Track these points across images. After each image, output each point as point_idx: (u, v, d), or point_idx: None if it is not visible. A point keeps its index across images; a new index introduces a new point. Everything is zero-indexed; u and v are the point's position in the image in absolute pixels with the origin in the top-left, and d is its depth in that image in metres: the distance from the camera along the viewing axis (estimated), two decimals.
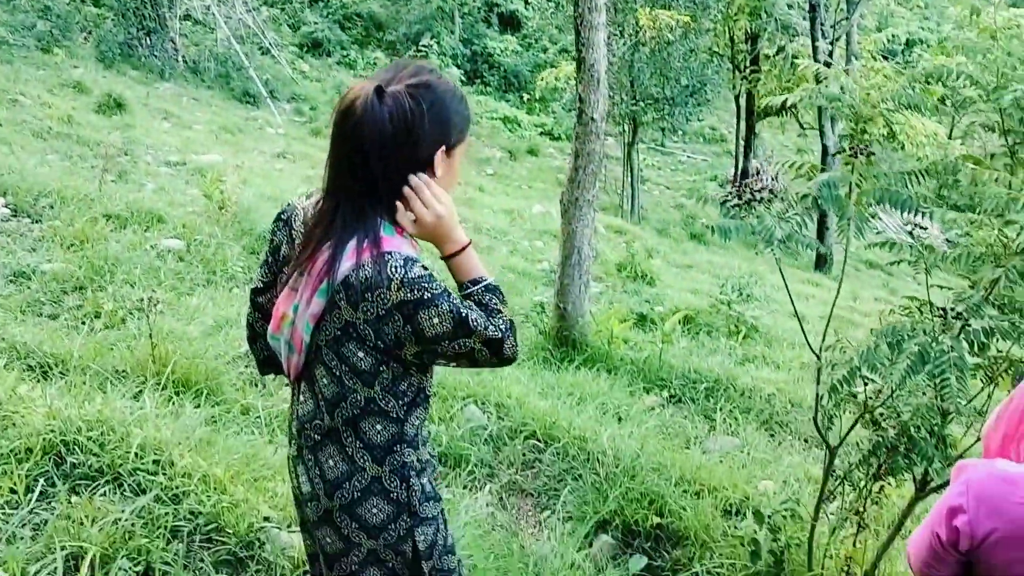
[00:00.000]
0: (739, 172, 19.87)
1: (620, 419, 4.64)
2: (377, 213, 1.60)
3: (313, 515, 1.76)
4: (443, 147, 1.63)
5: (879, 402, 2.39)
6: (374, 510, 1.70)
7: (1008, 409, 1.49)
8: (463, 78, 22.17)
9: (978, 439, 2.37)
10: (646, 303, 9.01)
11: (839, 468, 2.87)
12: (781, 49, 18.54)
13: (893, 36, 24.53)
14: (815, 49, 15.20)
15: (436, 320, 1.57)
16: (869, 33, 21.20)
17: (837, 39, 15.33)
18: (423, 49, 22.96)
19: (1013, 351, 2.20)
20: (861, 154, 2.56)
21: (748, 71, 18.34)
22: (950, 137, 19.82)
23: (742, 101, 19.43)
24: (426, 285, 1.56)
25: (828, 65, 13.10)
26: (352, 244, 1.57)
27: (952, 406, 2.05)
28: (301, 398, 1.73)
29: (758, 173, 20.72)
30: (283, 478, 3.10)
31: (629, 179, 17.28)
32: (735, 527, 3.41)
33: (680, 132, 21.67)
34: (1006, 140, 2.39)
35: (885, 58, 21.46)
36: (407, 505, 1.73)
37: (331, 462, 1.70)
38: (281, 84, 19.36)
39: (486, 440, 3.98)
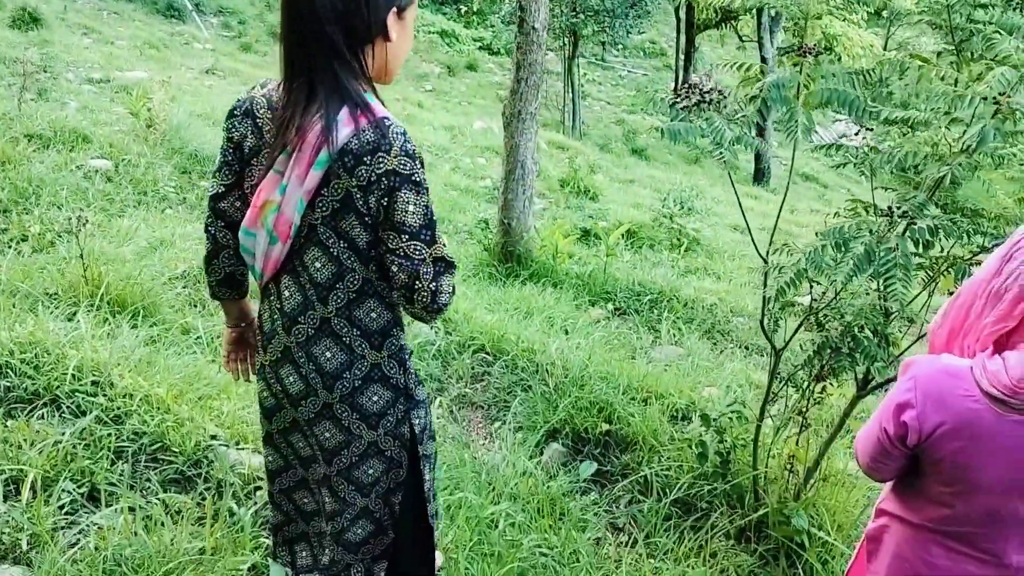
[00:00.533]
0: (679, 85, 19.80)
1: (567, 332, 4.66)
2: (356, 81, 1.56)
3: (309, 413, 1.73)
4: (395, 9, 1.58)
5: (823, 304, 2.42)
6: (375, 397, 1.72)
7: (953, 306, 1.51)
8: None
9: (920, 338, 2.43)
10: (589, 218, 9.01)
11: (783, 371, 2.93)
12: None
13: None
14: None
15: (412, 207, 1.55)
16: None
17: None
18: None
19: (955, 250, 2.23)
20: (809, 54, 2.53)
21: None
22: (885, 49, 19.99)
23: (682, 13, 19.21)
24: (420, 167, 1.56)
25: None
26: (345, 112, 1.53)
27: (897, 305, 2.07)
28: (286, 294, 1.67)
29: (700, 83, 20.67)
30: (228, 396, 3.04)
31: (570, 94, 17.08)
32: (682, 431, 3.48)
33: (620, 46, 21.39)
34: (952, 38, 2.37)
35: None
36: (404, 389, 1.76)
37: (328, 354, 1.67)
38: None
39: (435, 355, 3.96)
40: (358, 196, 1.54)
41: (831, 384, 2.73)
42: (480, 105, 17.49)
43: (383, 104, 1.60)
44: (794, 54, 2.58)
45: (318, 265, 1.62)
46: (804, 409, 2.84)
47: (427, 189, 1.58)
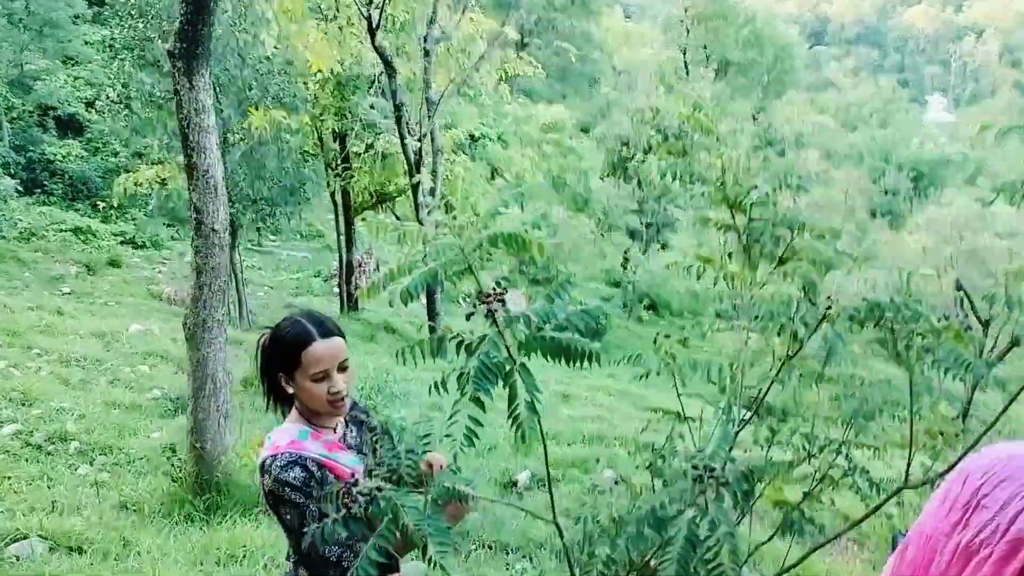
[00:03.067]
0: (343, 265, 19.84)
1: None
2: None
3: None
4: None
5: None
6: None
7: (903, 563, 1.28)
8: (19, 188, 19.26)
9: None
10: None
11: None
12: (370, 147, 19.03)
13: (470, 133, 26.76)
14: (404, 146, 15.77)
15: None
16: (444, 130, 22.75)
17: (423, 136, 16.08)
18: None
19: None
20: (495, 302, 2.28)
21: (341, 168, 18.51)
22: None
23: (338, 198, 19.51)
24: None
25: (418, 161, 13.59)
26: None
27: None
28: None
29: (360, 266, 20.93)
30: None
31: (234, 284, 16.25)
32: None
33: (275, 231, 21.11)
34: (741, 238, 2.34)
35: (455, 152, 23.14)
36: None
37: None
38: None
39: None
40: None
41: None
42: (131, 305, 15.96)
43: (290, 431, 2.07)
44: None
45: None
46: None
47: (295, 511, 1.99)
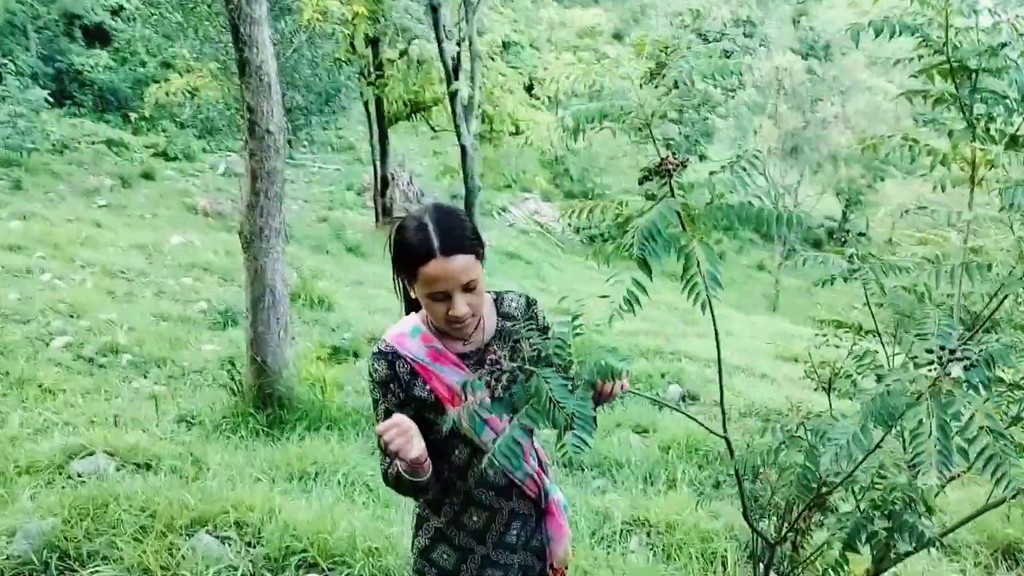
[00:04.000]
0: (378, 179, 19.43)
1: (387, 505, 3.71)
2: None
3: None
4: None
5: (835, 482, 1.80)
6: None
7: None
8: (48, 99, 18.91)
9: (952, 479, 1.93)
10: (333, 332, 8.10)
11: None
12: (404, 53, 18.40)
13: (506, 39, 25.96)
14: (442, 51, 15.16)
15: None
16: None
17: (462, 40, 15.44)
18: None
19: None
20: (673, 169, 1.83)
21: (374, 76, 17.92)
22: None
23: (371, 108, 18.97)
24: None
25: (456, 68, 13.03)
26: None
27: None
28: None
29: (394, 179, 20.53)
30: None
31: None
32: None
33: (307, 142, 20.71)
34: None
35: (491, 58, 22.39)
36: None
37: None
38: None
39: None
40: None
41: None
42: (168, 216, 15.78)
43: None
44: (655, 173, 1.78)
45: None
46: None
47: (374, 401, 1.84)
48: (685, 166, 1.43)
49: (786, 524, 2.01)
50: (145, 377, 6.24)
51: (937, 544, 1.68)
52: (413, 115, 19.63)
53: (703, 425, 1.72)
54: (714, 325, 1.49)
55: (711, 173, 1.49)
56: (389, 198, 19.91)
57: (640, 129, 1.47)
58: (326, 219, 19.07)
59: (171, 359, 6.63)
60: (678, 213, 1.41)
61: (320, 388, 5.31)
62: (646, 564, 3.21)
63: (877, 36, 1.63)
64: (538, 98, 18.33)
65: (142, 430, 4.67)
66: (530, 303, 1.91)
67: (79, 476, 3.73)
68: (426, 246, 1.64)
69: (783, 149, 26.73)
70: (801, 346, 9.22)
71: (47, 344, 6.48)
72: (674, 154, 1.48)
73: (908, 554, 1.88)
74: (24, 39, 21.33)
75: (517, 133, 19.25)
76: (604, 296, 1.31)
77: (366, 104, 18.89)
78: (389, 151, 19.63)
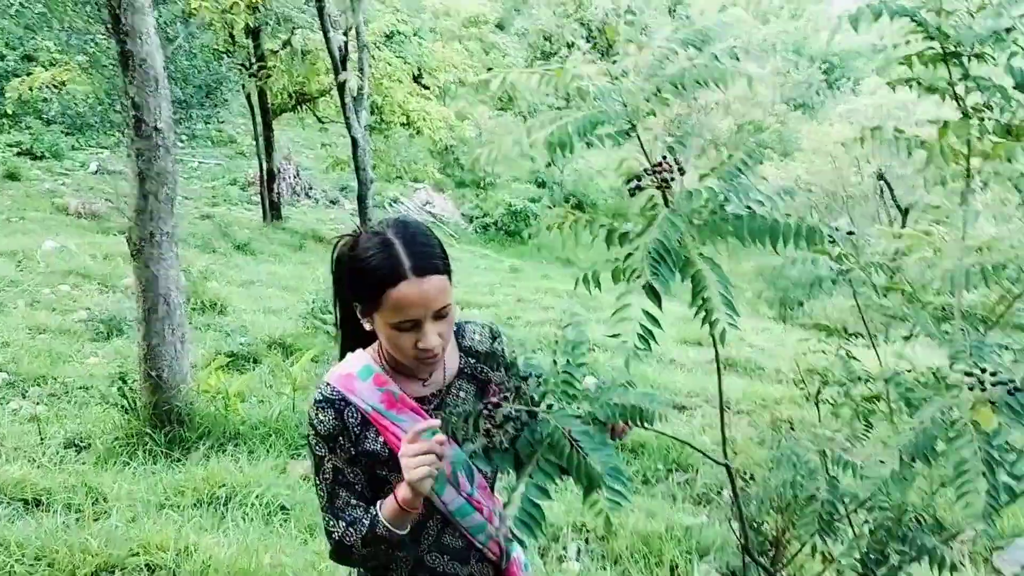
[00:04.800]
0: (264, 173, 18.74)
1: (310, 531, 3.49)
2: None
3: None
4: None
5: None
6: None
7: None
8: None
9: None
10: (228, 337, 7.71)
11: None
12: (287, 43, 17.78)
13: (391, 28, 25.48)
14: (328, 41, 14.69)
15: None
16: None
17: (349, 30, 14.99)
18: None
19: None
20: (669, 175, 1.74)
21: (256, 68, 17.24)
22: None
23: (254, 100, 18.25)
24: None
25: (344, 58, 12.64)
26: None
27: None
28: None
29: (280, 172, 19.87)
30: None
31: None
32: None
33: (188, 137, 19.75)
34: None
35: (377, 48, 21.91)
36: None
37: None
38: None
39: None
40: None
41: None
42: (38, 219, 14.72)
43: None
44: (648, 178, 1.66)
45: None
46: None
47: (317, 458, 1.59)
48: (683, 171, 1.30)
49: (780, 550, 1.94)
50: (24, 397, 5.74)
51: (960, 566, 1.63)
52: (299, 107, 19.03)
53: (704, 454, 1.62)
54: (716, 358, 1.39)
55: (702, 176, 1.38)
56: (276, 192, 19.25)
57: (628, 133, 1.34)
58: (210, 216, 18.26)
59: (52, 376, 6.14)
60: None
61: (223, 401, 5.01)
62: (588, 573, 3.12)
63: (876, 20, 1.56)
64: (427, 87, 18.04)
65: (27, 459, 4.27)
66: (495, 335, 1.74)
67: None
68: (394, 266, 1.44)
69: (671, 136, 27.36)
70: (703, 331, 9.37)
71: None
72: (666, 158, 1.36)
73: None
74: None
75: (408, 124, 18.94)
76: (615, 335, 1.16)
77: (248, 96, 18.18)
78: (274, 144, 18.97)
